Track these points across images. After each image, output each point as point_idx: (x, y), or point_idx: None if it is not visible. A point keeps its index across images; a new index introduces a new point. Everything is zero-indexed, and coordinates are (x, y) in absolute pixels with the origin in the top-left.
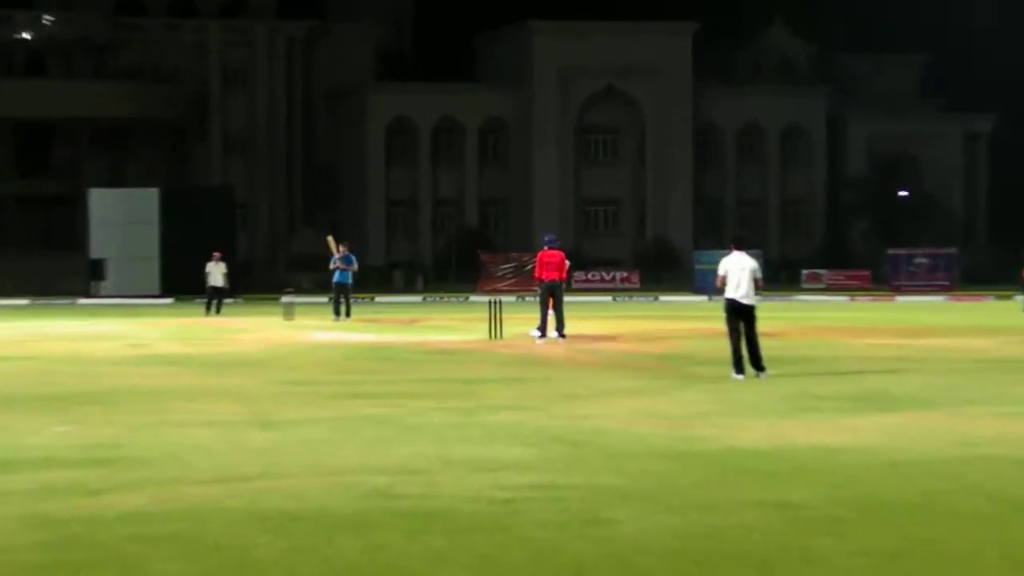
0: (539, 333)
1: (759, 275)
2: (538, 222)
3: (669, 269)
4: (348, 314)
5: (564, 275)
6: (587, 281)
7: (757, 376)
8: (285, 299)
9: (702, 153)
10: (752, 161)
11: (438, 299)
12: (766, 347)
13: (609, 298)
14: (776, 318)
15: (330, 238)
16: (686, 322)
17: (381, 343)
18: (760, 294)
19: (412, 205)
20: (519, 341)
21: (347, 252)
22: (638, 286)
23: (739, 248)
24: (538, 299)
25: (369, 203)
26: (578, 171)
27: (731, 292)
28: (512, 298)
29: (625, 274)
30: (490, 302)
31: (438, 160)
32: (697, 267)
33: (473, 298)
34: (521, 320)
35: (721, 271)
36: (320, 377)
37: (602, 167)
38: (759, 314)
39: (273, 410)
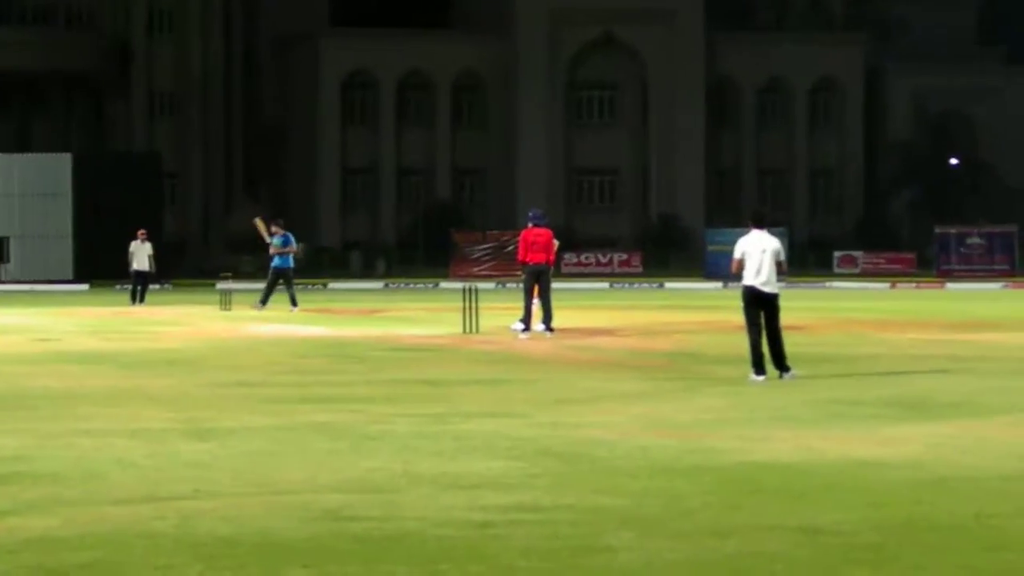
0: (522, 326)
1: (782, 257)
2: (522, 195)
3: (676, 251)
4: (294, 303)
5: (552, 258)
6: (580, 265)
7: (780, 377)
8: (221, 286)
9: (716, 114)
10: (775, 123)
11: (403, 286)
12: (791, 343)
13: (606, 284)
14: (804, 309)
15: (258, 220)
16: (697, 313)
17: (335, 337)
18: (784, 280)
19: (372, 174)
20: (498, 336)
21: (282, 232)
22: (640, 270)
23: (758, 226)
24: (521, 286)
25: (322, 172)
26: (569, 135)
27: (750, 278)
28: (491, 285)
29: (624, 256)
30: (464, 289)
31: (404, 121)
32: (710, 248)
33: (444, 285)
34: (501, 311)
35: (737, 254)
36: (263, 378)
37: (598, 130)
38: (783, 303)
39: (207, 417)
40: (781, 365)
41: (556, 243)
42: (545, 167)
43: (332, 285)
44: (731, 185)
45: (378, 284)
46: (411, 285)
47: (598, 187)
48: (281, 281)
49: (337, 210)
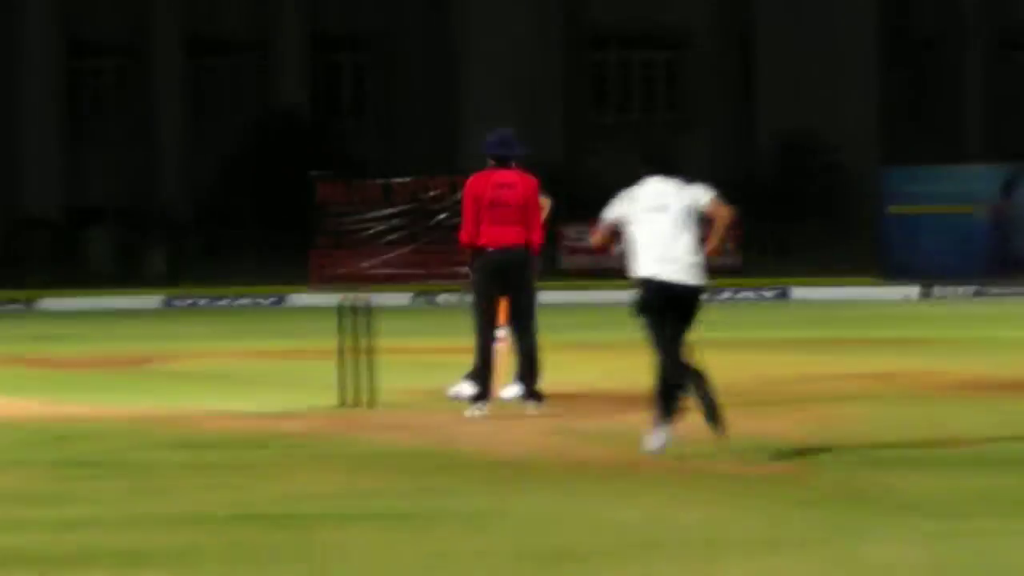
0: (471, 389)
1: (712, 206)
2: (473, 98)
3: (818, 219)
4: None
5: (538, 236)
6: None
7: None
8: None
9: None
10: None
11: (208, 303)
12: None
13: None
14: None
15: None
16: (861, 356)
17: (60, 422)
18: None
19: (128, 57)
20: (421, 411)
21: None
22: (734, 262)
23: (660, 170)
24: (470, 300)
25: (25, 74)
26: None
27: (648, 264)
28: (399, 297)
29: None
30: (343, 308)
31: None
32: (890, 211)
33: (299, 299)
34: (424, 356)
35: (611, 215)
36: None
37: None
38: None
39: None
40: (668, 405)
41: (547, 204)
42: (524, 29)
43: (46, 304)
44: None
45: (152, 300)
46: (226, 301)
47: (638, 75)
48: None
49: (58, 149)
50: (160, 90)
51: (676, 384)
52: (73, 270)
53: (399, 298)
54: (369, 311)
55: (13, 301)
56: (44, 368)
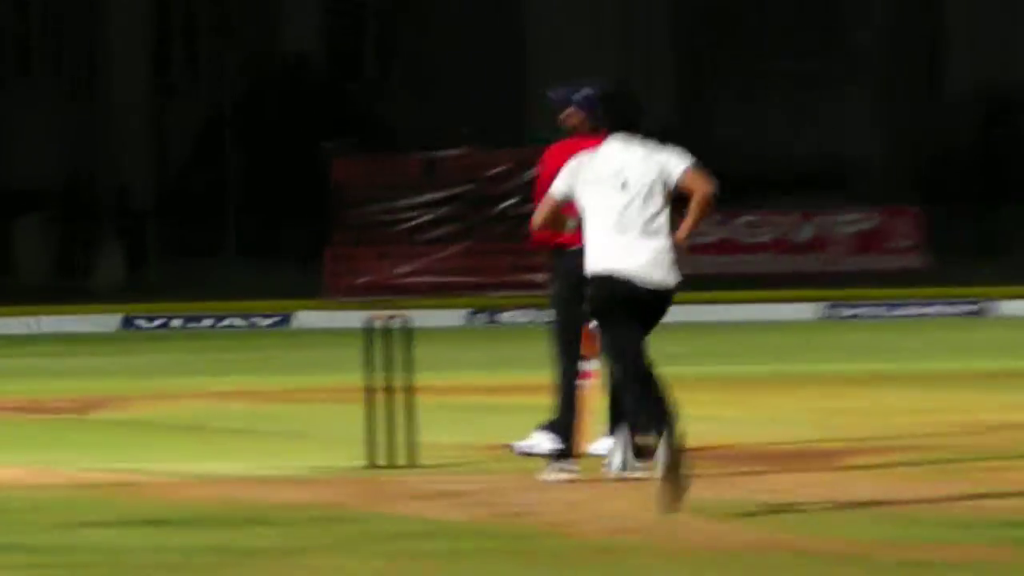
0: (548, 444)
1: (687, 175)
2: (547, 41)
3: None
4: None
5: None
6: (730, 248)
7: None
8: None
9: None
10: None
11: (178, 323)
12: None
13: (808, 309)
14: None
15: None
16: None
17: None
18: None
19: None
20: (478, 474)
21: None
22: (918, 264)
23: (620, 127)
24: (548, 319)
25: None
26: None
27: (600, 256)
28: (447, 316)
29: (868, 221)
30: (368, 331)
31: None
32: None
33: (308, 318)
34: (484, 398)
35: (558, 190)
36: None
37: None
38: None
39: None
40: (625, 417)
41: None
42: None
43: None
44: None
45: (103, 321)
46: (207, 322)
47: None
48: None
49: None
50: (117, 26)
51: (636, 397)
52: None
53: (447, 316)
54: (409, 334)
55: None
56: None
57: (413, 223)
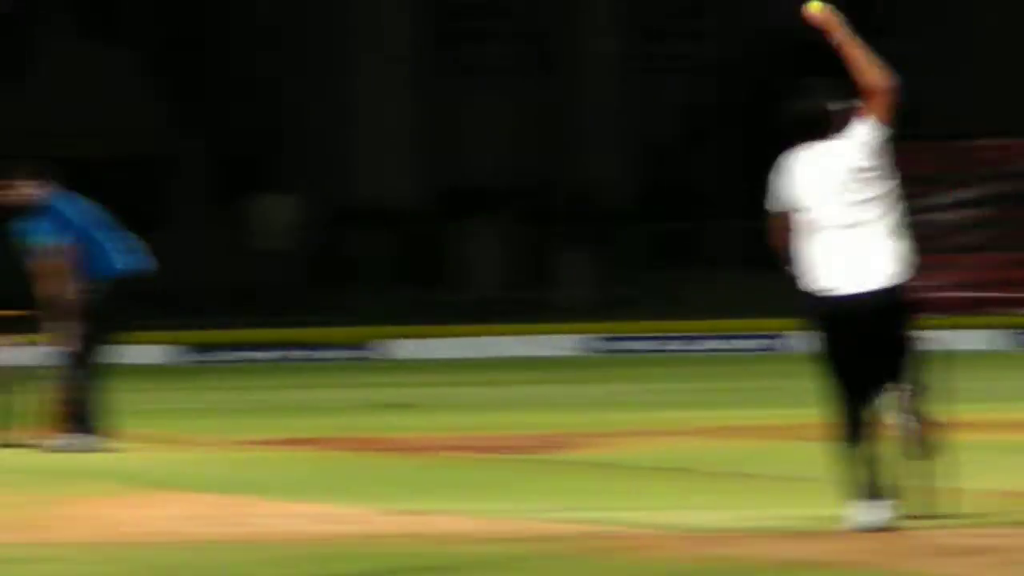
0: None
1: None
2: None
3: None
4: (86, 424)
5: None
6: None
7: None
8: None
9: None
10: None
11: (652, 345)
12: None
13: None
14: None
15: None
16: None
17: (429, 543)
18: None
19: None
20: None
21: (42, 193)
22: None
23: (815, 131)
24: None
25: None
26: None
27: (822, 274)
28: (972, 336)
29: None
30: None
31: None
32: None
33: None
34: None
35: (783, 197)
36: None
37: None
38: None
39: None
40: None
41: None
42: None
43: (396, 348)
44: None
45: (557, 342)
46: (676, 344)
47: None
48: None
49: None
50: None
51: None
52: (434, 290)
53: (972, 337)
54: (947, 358)
55: (335, 345)
56: (382, 453)
57: (938, 223)
